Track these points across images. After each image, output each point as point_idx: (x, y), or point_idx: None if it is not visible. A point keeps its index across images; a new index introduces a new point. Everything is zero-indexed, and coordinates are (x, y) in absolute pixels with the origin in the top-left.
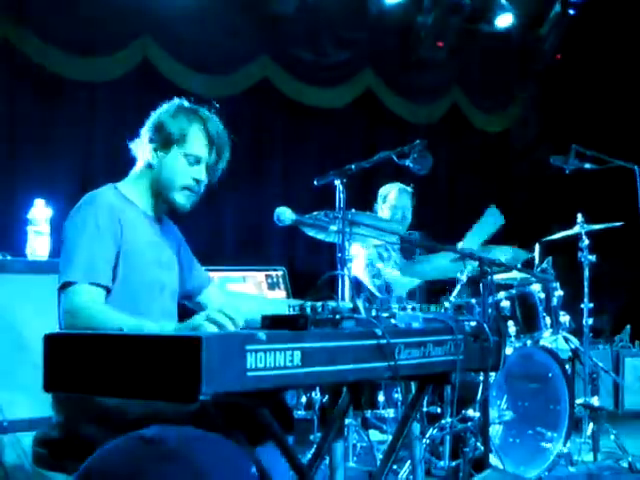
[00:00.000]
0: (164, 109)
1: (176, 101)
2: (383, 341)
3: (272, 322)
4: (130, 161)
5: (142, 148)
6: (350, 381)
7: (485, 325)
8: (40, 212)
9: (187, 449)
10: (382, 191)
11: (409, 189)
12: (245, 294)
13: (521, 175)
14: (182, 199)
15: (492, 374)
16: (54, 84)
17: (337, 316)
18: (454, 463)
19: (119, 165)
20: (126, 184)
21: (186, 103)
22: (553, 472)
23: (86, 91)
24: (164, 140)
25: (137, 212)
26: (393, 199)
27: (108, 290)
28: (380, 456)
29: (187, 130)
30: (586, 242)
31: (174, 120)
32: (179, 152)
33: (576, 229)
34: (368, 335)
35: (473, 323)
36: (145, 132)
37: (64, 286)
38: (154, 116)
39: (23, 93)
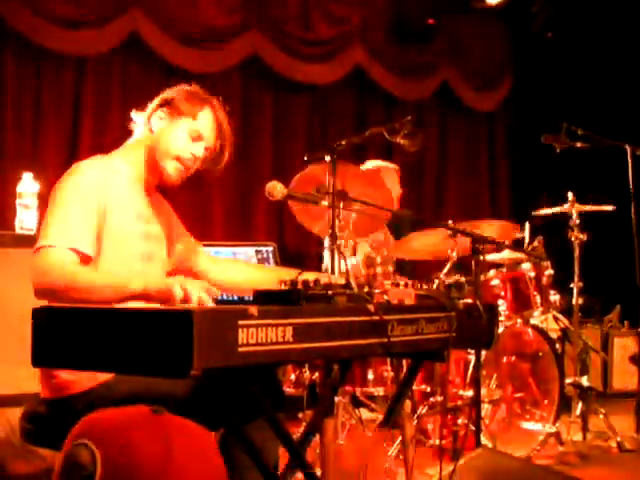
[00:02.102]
0: (178, 88)
1: (192, 86)
2: (376, 317)
3: (264, 297)
4: (118, 134)
5: (145, 117)
6: (342, 357)
7: (478, 303)
8: (28, 186)
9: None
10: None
11: (394, 166)
12: (240, 262)
13: (511, 153)
14: (172, 169)
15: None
16: (42, 57)
17: (329, 291)
18: (444, 441)
19: (107, 139)
20: (118, 155)
21: (201, 89)
22: (542, 451)
23: (74, 64)
24: (172, 111)
25: (126, 184)
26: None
27: (90, 258)
28: (370, 434)
29: (197, 111)
30: (577, 221)
31: (187, 100)
32: (184, 125)
33: (567, 206)
34: (361, 311)
35: (466, 300)
36: (154, 103)
37: (40, 249)
38: (166, 92)
39: (10, 66)
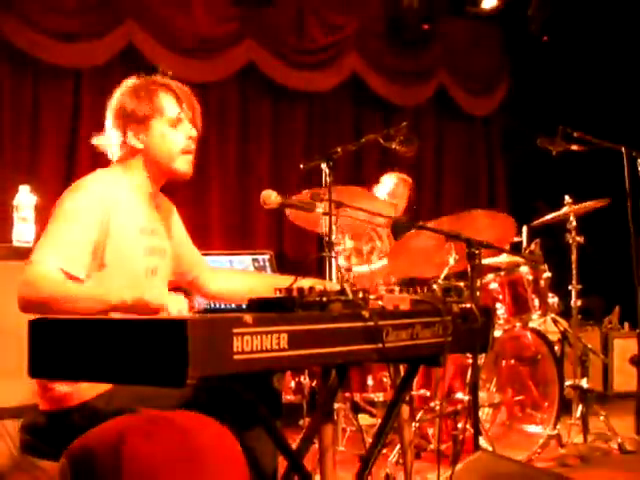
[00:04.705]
0: (122, 95)
1: (127, 82)
2: (371, 323)
3: (259, 305)
4: None
5: (116, 139)
6: (338, 364)
7: (474, 307)
8: (25, 198)
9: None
10: (383, 179)
11: (407, 179)
12: (238, 271)
13: (508, 157)
14: (184, 165)
15: (481, 356)
16: (39, 70)
17: (324, 298)
18: (444, 446)
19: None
20: (119, 169)
21: (136, 80)
22: (543, 454)
23: (71, 77)
24: (138, 121)
25: (130, 196)
26: (390, 187)
27: (79, 280)
28: (370, 440)
29: (155, 101)
30: (574, 223)
31: (137, 100)
32: (159, 123)
33: (564, 210)
34: (355, 317)
35: (462, 305)
36: (113, 124)
37: (27, 264)
38: (114, 105)
39: (7, 79)
